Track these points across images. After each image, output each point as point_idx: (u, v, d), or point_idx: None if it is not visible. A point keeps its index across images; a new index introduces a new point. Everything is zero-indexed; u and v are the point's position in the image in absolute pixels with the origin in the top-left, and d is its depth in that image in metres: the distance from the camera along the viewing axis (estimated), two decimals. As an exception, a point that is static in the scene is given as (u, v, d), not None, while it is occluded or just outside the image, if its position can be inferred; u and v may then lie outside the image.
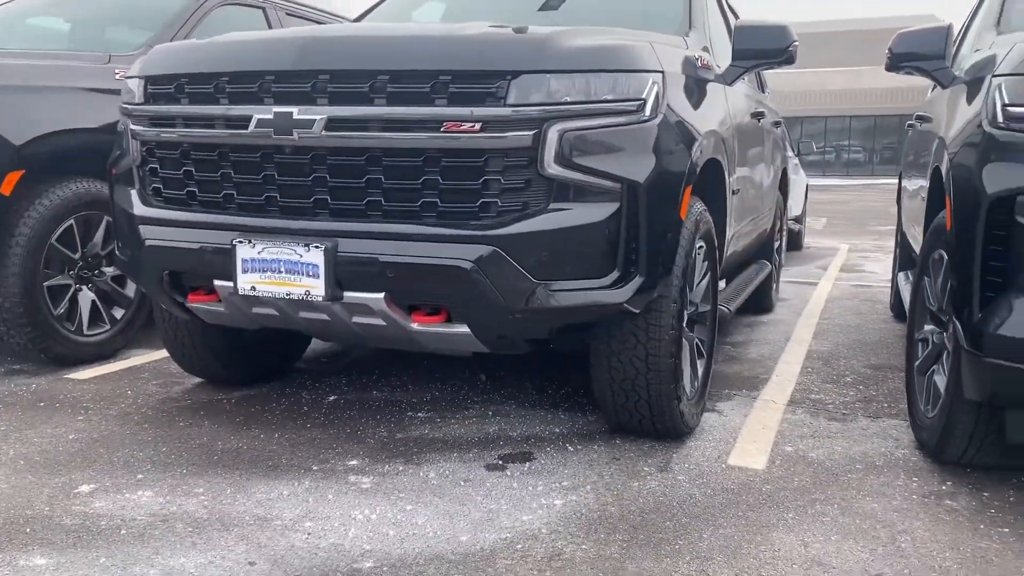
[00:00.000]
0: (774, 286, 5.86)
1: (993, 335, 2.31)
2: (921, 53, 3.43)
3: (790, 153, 9.91)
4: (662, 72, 2.65)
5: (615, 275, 2.54)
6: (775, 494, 2.59)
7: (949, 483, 2.69)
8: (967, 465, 2.80)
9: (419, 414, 3.30)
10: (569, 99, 2.48)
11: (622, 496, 2.55)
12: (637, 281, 2.57)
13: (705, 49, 3.50)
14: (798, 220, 10.56)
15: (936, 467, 2.83)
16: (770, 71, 4.29)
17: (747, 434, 3.14)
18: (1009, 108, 2.33)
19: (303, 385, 3.68)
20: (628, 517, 2.40)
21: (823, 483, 2.68)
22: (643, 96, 2.55)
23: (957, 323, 2.48)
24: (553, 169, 2.45)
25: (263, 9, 5.29)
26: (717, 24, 4.15)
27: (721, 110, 3.39)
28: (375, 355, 4.23)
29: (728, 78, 3.59)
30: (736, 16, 5.20)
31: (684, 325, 2.98)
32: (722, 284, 4.49)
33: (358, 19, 4.17)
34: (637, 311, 2.65)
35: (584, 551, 2.19)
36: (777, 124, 5.29)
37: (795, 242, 10.59)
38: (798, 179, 10.41)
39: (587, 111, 2.49)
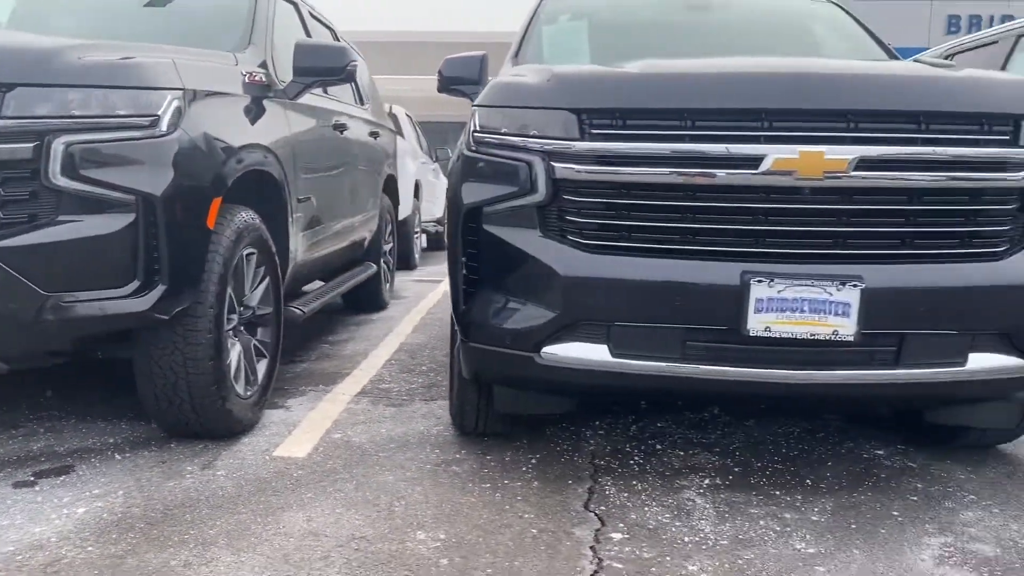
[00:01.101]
0: (386, 285, 6.26)
1: (471, 323, 2.76)
2: (463, 78, 3.89)
3: (426, 160, 10.56)
4: (183, 89, 2.78)
5: (136, 284, 2.63)
6: (304, 478, 2.84)
7: (463, 452, 3.14)
8: (483, 435, 3.28)
9: (-44, 437, 3.12)
10: (78, 113, 2.52)
11: (152, 497, 2.64)
12: (160, 289, 2.67)
13: (263, 65, 3.68)
14: (440, 222, 11.27)
15: (459, 439, 3.28)
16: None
17: (305, 426, 3.39)
18: (476, 134, 2.78)
19: None
20: (149, 516, 2.51)
21: (353, 463, 2.99)
22: (158, 112, 2.67)
23: (453, 313, 2.91)
24: (60, 181, 2.48)
25: None
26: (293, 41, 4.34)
27: (277, 124, 3.60)
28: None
29: (290, 93, 3.82)
30: (333, 31, 5.49)
31: (232, 328, 3.14)
32: (316, 285, 4.74)
33: None
34: (166, 318, 2.75)
35: (88, 553, 2.26)
36: (375, 135, 5.66)
37: (438, 242, 11.30)
38: (438, 183, 11.11)
39: (97, 125, 2.55)
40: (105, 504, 2.58)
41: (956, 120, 2.48)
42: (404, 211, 8.15)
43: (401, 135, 9.72)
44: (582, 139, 2.55)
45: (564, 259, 2.57)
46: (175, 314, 2.77)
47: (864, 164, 2.41)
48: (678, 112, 2.49)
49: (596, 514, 2.59)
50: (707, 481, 2.88)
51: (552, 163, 2.57)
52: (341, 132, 4.65)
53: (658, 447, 3.21)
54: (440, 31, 31.60)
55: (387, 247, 6.32)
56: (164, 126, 2.67)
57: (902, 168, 2.44)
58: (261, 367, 3.43)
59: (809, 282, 2.40)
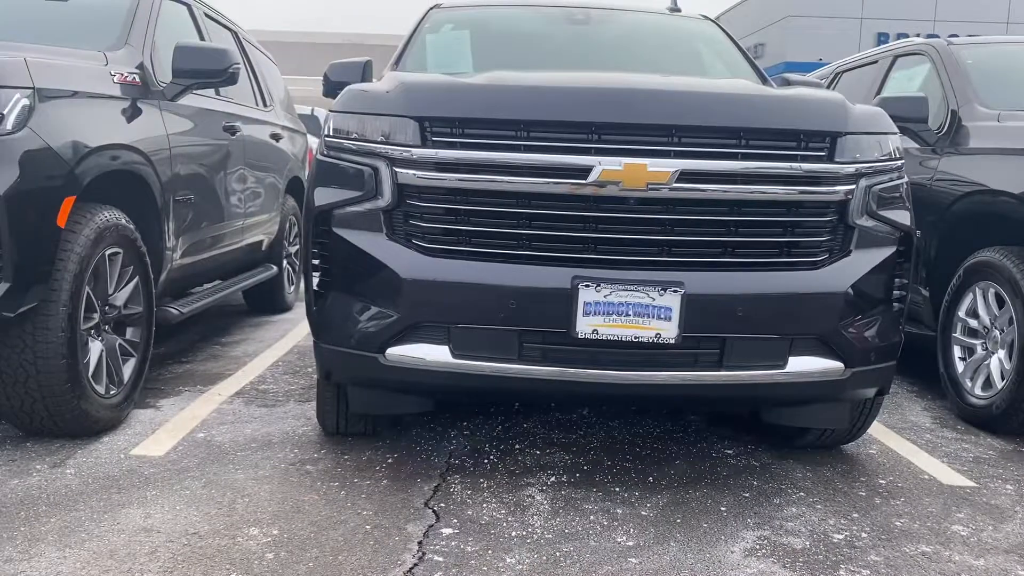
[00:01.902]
0: (290, 287, 6.26)
1: (321, 324, 2.82)
2: (347, 82, 3.91)
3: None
4: (33, 88, 2.79)
5: (-24, 281, 2.63)
6: (154, 476, 2.87)
7: (323, 451, 3.19)
8: (345, 434, 3.33)
9: None
10: (-85, 110, 2.52)
11: (-9, 495, 2.65)
12: (3, 287, 2.67)
13: (140, 66, 3.68)
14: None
15: (322, 439, 3.33)
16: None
17: (170, 426, 3.40)
18: (329, 138, 2.84)
19: None
20: (-17, 513, 2.51)
21: (209, 462, 3.02)
22: (4, 111, 2.67)
23: (307, 315, 2.96)
24: None
25: None
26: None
27: (149, 125, 3.60)
28: None
29: (169, 94, 3.83)
30: (236, 33, 5.49)
31: (92, 328, 3.15)
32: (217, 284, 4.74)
33: None
34: (11, 315, 2.75)
35: (-92, 550, 2.26)
36: (277, 137, 5.67)
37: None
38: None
39: (-63, 122, 2.55)
40: (-60, 502, 2.57)
41: (774, 136, 2.63)
42: (320, 214, 8.13)
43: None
44: (423, 146, 2.63)
45: (407, 262, 2.65)
46: (22, 312, 2.77)
47: (686, 176, 2.54)
48: (514, 123, 2.59)
49: (434, 511, 2.67)
50: (553, 479, 2.98)
51: (396, 169, 2.65)
52: (232, 134, 4.66)
53: (517, 446, 3.30)
54: (382, 34, 31.65)
55: (292, 249, 6.33)
56: (9, 125, 2.68)
57: (723, 181, 2.58)
58: (128, 367, 3.43)
59: (633, 287, 2.52)
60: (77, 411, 3.04)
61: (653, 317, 2.53)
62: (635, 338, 2.53)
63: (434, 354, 2.65)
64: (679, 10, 4.55)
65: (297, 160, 6.28)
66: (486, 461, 3.13)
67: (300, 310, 6.29)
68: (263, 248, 5.54)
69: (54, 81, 2.93)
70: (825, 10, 24.66)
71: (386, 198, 2.68)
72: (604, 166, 2.52)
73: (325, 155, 2.85)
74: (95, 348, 3.18)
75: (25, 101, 2.74)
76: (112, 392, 3.28)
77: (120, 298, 3.37)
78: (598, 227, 2.59)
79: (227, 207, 4.60)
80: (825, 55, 22.30)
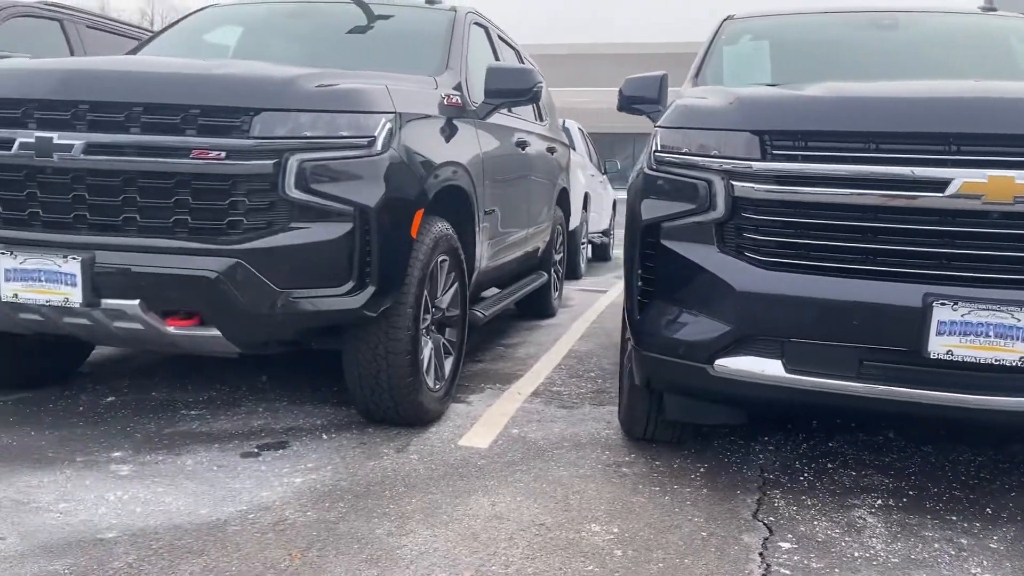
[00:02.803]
0: (555, 294, 6.50)
1: (644, 332, 2.92)
2: (643, 97, 4.04)
3: (595, 172, 10.74)
4: (395, 112, 3.12)
5: (351, 284, 2.98)
6: (487, 467, 3.10)
7: (633, 455, 3.30)
8: (652, 440, 3.42)
9: (192, 412, 3.61)
10: (308, 134, 2.90)
11: (356, 473, 2.98)
12: (370, 290, 3.01)
13: (458, 88, 4.00)
14: (606, 233, 11.43)
15: (628, 443, 3.43)
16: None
17: (485, 420, 3.65)
18: (658, 153, 2.94)
19: (83, 387, 3.89)
20: (355, 489, 2.83)
21: (530, 457, 3.22)
22: (375, 133, 3.01)
23: (628, 322, 3.08)
24: (293, 193, 2.86)
25: (60, 22, 5.38)
26: (486, 63, 4.66)
27: (469, 143, 3.90)
28: (162, 359, 4.47)
29: (481, 113, 4.12)
30: (518, 51, 5.80)
31: (425, 327, 3.46)
32: (492, 291, 5.05)
33: (141, 46, 4.40)
34: (374, 315, 3.09)
35: (307, 517, 2.61)
36: (552, 150, 5.91)
37: (602, 253, 11.46)
38: (605, 194, 11.27)
39: (324, 144, 2.92)
40: (318, 476, 2.93)
41: None
42: (573, 222, 8.37)
43: (573, 148, 9.97)
44: (763, 159, 2.65)
45: (740, 274, 2.67)
46: (380, 312, 3.11)
47: (1060, 189, 2.37)
48: (862, 135, 2.54)
49: (765, 523, 2.67)
50: (879, 501, 2.89)
51: (732, 182, 2.69)
52: (523, 149, 4.93)
53: (829, 466, 3.23)
54: (614, 43, 31.91)
55: (557, 257, 6.56)
56: (379, 146, 3.01)
57: (1102, 194, 2.38)
58: (447, 364, 3.73)
59: (996, 307, 2.39)
60: (415, 402, 3.35)
61: (1018, 339, 2.38)
62: (995, 361, 2.40)
63: (766, 368, 2.65)
64: (994, 9, 4.23)
65: (564, 172, 6.51)
66: (802, 478, 3.09)
67: (564, 315, 6.52)
68: (537, 256, 5.79)
69: (407, 105, 3.26)
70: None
71: (719, 211, 2.72)
72: (965, 179, 2.41)
73: (654, 169, 2.94)
74: (427, 346, 3.49)
75: (389, 124, 3.07)
76: (438, 386, 3.58)
77: (444, 301, 3.67)
78: (953, 242, 2.48)
79: (518, 217, 4.87)
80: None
